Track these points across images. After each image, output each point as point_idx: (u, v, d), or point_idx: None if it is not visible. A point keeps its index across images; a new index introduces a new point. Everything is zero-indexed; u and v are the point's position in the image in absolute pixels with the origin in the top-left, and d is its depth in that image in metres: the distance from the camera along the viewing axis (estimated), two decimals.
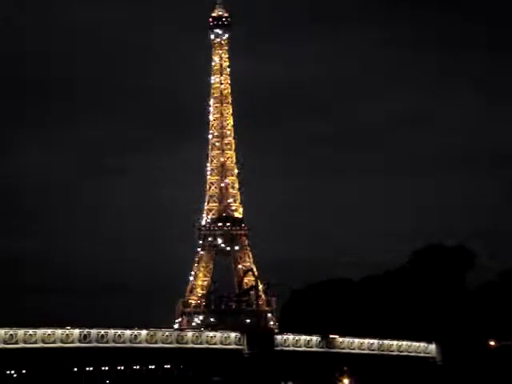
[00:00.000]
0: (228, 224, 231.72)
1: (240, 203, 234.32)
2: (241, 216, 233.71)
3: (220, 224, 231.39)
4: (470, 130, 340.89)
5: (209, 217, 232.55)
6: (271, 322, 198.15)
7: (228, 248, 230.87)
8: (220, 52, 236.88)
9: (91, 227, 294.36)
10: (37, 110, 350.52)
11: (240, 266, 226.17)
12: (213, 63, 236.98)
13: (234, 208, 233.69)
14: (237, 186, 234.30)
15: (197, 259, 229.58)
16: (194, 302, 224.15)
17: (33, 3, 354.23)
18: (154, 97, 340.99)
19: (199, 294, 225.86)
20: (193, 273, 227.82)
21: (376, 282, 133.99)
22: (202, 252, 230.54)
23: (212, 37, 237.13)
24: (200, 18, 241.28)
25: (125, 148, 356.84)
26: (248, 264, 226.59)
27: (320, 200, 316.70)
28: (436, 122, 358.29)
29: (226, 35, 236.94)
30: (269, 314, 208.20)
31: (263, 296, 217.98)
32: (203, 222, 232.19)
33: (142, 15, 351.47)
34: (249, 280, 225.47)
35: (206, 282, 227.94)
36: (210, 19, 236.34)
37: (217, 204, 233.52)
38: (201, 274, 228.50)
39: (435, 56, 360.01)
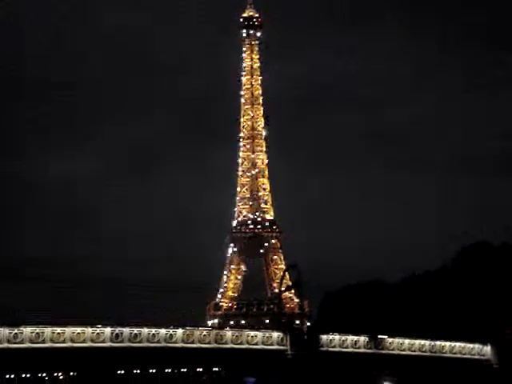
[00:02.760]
0: (259, 226, 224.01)
1: (271, 205, 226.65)
2: (272, 218, 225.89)
3: (251, 226, 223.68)
4: None
5: (240, 219, 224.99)
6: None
7: (259, 250, 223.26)
8: (250, 53, 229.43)
9: (119, 228, 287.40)
10: (63, 112, 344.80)
11: (272, 268, 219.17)
12: (243, 64, 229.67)
13: (265, 210, 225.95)
14: (268, 187, 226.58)
15: (228, 262, 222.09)
16: (225, 304, 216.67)
17: (64, 6, 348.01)
18: (183, 98, 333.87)
19: (230, 297, 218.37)
20: (224, 275, 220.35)
21: (417, 281, 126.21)
22: (233, 254, 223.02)
23: (243, 38, 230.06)
24: (230, 19, 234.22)
25: (154, 149, 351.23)
26: (282, 266, 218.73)
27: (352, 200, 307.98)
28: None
29: (257, 36, 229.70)
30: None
31: (295, 299, 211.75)
32: (234, 224, 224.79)
33: (169, 18, 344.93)
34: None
35: (237, 285, 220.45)
36: (241, 20, 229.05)
37: (248, 206, 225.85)
38: (232, 277, 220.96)
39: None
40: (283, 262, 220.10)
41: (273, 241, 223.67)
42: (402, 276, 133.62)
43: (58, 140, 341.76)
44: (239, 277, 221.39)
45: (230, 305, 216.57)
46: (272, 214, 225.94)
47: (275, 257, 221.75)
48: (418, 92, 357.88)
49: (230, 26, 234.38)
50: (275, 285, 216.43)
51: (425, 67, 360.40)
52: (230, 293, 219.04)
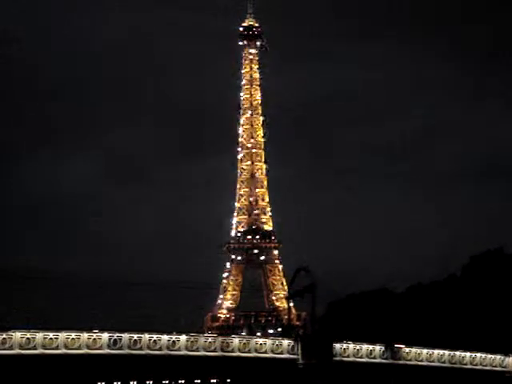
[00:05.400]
0: (257, 237, 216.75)
1: (270, 215, 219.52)
2: (271, 228, 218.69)
3: (249, 237, 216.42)
4: None
5: (238, 229, 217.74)
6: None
7: (258, 261, 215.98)
8: (250, 62, 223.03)
9: (116, 235, 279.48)
10: (64, 115, 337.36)
11: (270, 280, 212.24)
12: (243, 74, 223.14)
13: (263, 220, 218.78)
14: (266, 198, 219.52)
15: (226, 273, 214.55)
16: (222, 316, 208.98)
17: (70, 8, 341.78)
18: (182, 108, 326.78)
19: (228, 308, 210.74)
20: (222, 286, 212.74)
21: (424, 290, 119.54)
22: (231, 265, 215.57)
23: (242, 47, 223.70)
24: (231, 28, 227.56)
25: (152, 159, 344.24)
26: (278, 278, 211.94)
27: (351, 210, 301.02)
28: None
29: (257, 45, 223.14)
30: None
31: (293, 310, 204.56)
32: (232, 235, 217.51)
33: (169, 24, 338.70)
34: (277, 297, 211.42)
35: (235, 296, 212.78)
36: (241, 29, 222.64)
37: (246, 216, 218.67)
38: (230, 288, 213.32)
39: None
40: (281, 273, 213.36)
41: (271, 251, 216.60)
42: (407, 285, 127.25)
43: (58, 142, 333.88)
44: (237, 288, 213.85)
45: (227, 316, 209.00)
46: (271, 224, 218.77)
47: (273, 268, 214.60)
48: (418, 102, 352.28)
49: (230, 35, 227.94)
50: (274, 295, 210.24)
51: (424, 77, 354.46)
52: (227, 304, 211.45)
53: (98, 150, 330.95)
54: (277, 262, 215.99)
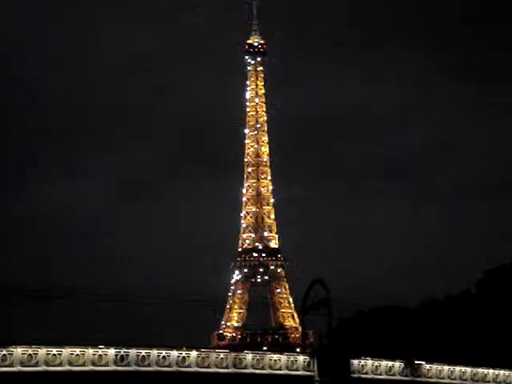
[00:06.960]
0: (264, 254, 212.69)
1: (276, 233, 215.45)
2: (276, 246, 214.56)
3: (256, 254, 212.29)
4: None
5: (244, 247, 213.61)
6: None
7: (264, 279, 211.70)
8: (255, 79, 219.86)
9: (123, 254, 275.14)
10: (66, 133, 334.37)
11: (277, 298, 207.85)
12: (248, 91, 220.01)
13: (269, 238, 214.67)
14: (273, 215, 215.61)
15: (232, 290, 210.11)
16: (229, 334, 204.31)
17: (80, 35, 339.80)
18: (186, 126, 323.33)
19: (234, 327, 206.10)
20: (228, 304, 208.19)
21: (437, 306, 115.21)
22: (237, 283, 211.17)
23: (247, 64, 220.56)
24: (235, 46, 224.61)
25: (157, 178, 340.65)
26: (285, 296, 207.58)
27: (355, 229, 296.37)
28: None
29: (262, 62, 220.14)
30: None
31: (299, 328, 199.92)
32: (238, 253, 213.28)
33: (171, 43, 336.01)
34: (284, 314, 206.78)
35: (241, 314, 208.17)
36: (246, 46, 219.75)
37: (252, 234, 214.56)
38: (236, 306, 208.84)
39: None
40: (288, 291, 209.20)
41: (277, 269, 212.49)
42: (420, 301, 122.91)
43: (57, 162, 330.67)
44: (243, 306, 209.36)
45: (233, 335, 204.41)
46: (277, 242, 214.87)
47: (280, 285, 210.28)
48: (419, 120, 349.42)
49: (235, 52, 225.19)
50: (281, 313, 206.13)
51: (426, 96, 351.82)
52: (233, 322, 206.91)
53: (103, 169, 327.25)
54: (283, 279, 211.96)
